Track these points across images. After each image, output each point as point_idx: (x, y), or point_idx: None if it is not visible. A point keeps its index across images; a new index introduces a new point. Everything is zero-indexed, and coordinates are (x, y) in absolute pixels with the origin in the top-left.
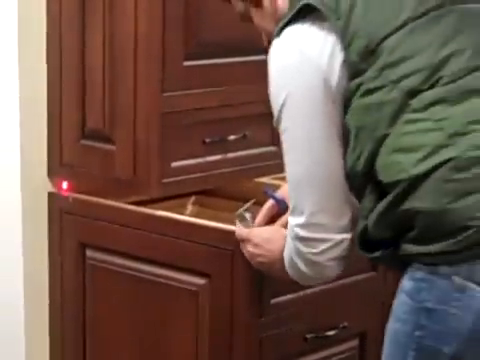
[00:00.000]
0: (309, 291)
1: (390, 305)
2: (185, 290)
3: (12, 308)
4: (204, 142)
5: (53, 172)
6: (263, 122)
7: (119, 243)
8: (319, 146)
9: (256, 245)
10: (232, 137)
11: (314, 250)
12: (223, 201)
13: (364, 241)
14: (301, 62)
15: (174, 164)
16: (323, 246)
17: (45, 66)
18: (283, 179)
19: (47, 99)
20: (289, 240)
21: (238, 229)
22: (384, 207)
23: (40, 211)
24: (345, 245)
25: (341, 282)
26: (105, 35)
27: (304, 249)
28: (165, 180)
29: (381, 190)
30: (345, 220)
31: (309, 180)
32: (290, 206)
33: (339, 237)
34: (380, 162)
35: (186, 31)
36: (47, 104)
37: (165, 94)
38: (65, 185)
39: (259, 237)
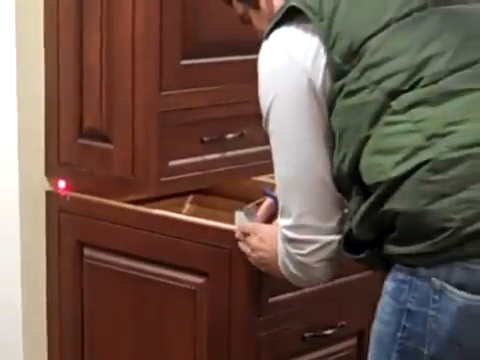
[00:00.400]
0: (307, 290)
1: None
2: (183, 289)
3: (10, 307)
4: (202, 141)
5: (51, 171)
6: (261, 121)
7: (117, 242)
8: (306, 148)
9: (261, 239)
10: (230, 136)
11: (302, 251)
12: (221, 200)
13: (349, 243)
14: (287, 65)
15: (172, 163)
16: (311, 248)
17: (43, 65)
18: None
19: (45, 98)
20: (279, 242)
21: (242, 222)
22: (366, 208)
23: (38, 210)
24: (333, 247)
25: (339, 281)
26: (103, 34)
27: (292, 250)
28: (163, 179)
29: (366, 192)
30: (333, 222)
31: (296, 182)
32: (279, 208)
33: (327, 239)
34: (363, 164)
35: (183, 30)
36: (45, 103)
37: (163, 93)
38: (62, 184)
39: (264, 232)
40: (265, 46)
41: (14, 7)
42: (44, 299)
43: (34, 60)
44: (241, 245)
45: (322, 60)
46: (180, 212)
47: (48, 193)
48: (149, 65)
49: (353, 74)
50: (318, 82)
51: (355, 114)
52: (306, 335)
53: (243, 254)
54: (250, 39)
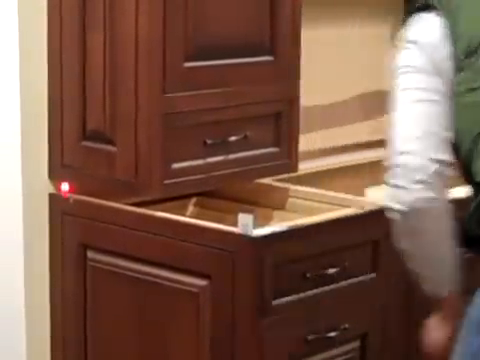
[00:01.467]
0: (310, 292)
1: (390, 307)
2: (186, 291)
3: (13, 308)
4: (205, 143)
5: (54, 173)
6: (264, 123)
7: (120, 244)
8: (430, 101)
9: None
10: (233, 138)
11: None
12: (224, 202)
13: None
14: (432, 39)
15: (175, 165)
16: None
17: (46, 67)
18: (284, 180)
19: (48, 100)
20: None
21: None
22: (476, 205)
23: (41, 212)
24: (443, 174)
25: (342, 284)
26: (106, 36)
27: (400, 183)
28: (166, 181)
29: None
30: (444, 155)
31: (417, 114)
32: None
33: (436, 167)
34: (476, 162)
35: (187, 32)
36: (48, 105)
37: (166, 95)
38: (66, 186)
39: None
40: (411, 22)
41: (17, 7)
42: (47, 301)
43: (37, 61)
44: None
45: (447, 51)
46: (183, 214)
47: (51, 195)
48: (152, 67)
49: (470, 73)
50: (444, 68)
51: (472, 111)
52: (309, 337)
53: (245, 256)
54: (253, 42)
